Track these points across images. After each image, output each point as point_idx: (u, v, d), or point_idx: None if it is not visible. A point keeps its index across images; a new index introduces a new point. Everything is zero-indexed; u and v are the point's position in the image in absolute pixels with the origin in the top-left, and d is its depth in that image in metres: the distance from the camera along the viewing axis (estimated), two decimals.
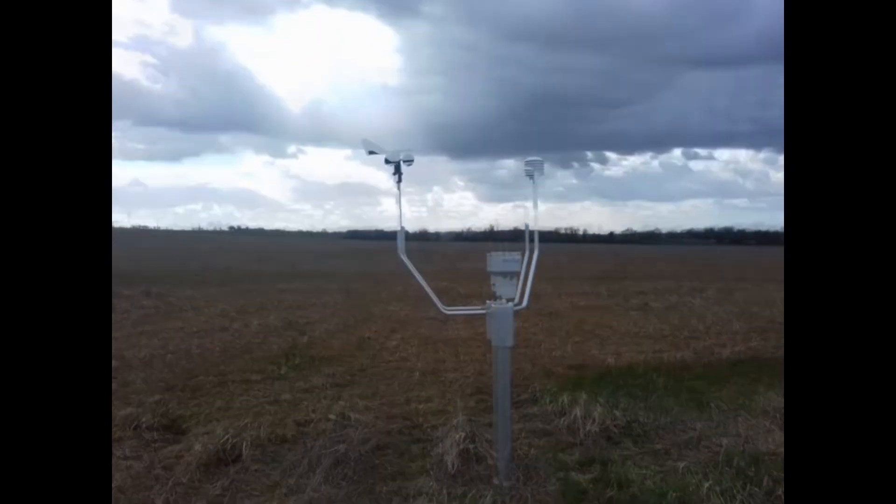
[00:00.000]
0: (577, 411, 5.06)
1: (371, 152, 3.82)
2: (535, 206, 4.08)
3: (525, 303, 4.00)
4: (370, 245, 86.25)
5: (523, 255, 4.13)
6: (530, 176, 4.02)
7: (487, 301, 3.96)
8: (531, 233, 4.15)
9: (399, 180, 3.82)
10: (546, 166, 4.06)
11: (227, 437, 4.52)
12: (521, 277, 4.07)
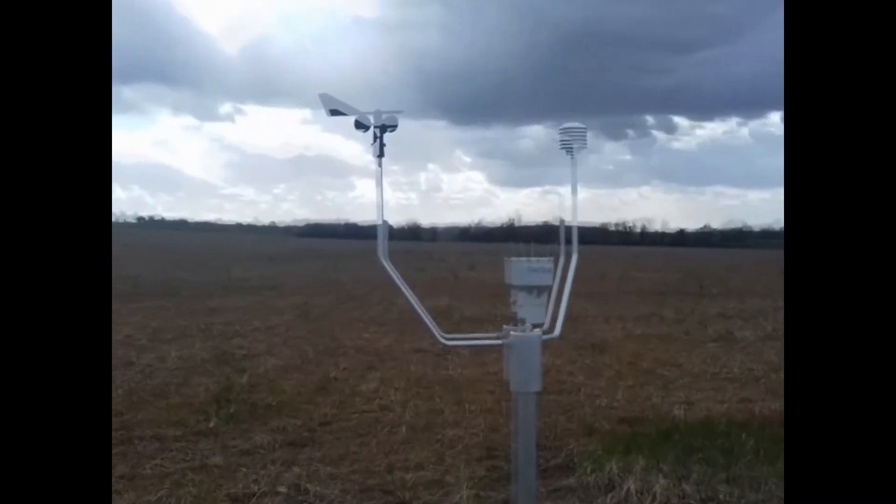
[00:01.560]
0: (631, 485, 5.05)
1: (335, 112, 3.79)
2: (575, 191, 4.07)
3: (558, 330, 3.98)
4: (338, 245, 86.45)
5: (557, 263, 4.12)
6: (567, 150, 4.01)
7: (505, 327, 3.95)
8: (568, 230, 4.14)
9: (379, 154, 3.80)
10: (589, 136, 4.05)
11: None
12: (554, 293, 4.06)
